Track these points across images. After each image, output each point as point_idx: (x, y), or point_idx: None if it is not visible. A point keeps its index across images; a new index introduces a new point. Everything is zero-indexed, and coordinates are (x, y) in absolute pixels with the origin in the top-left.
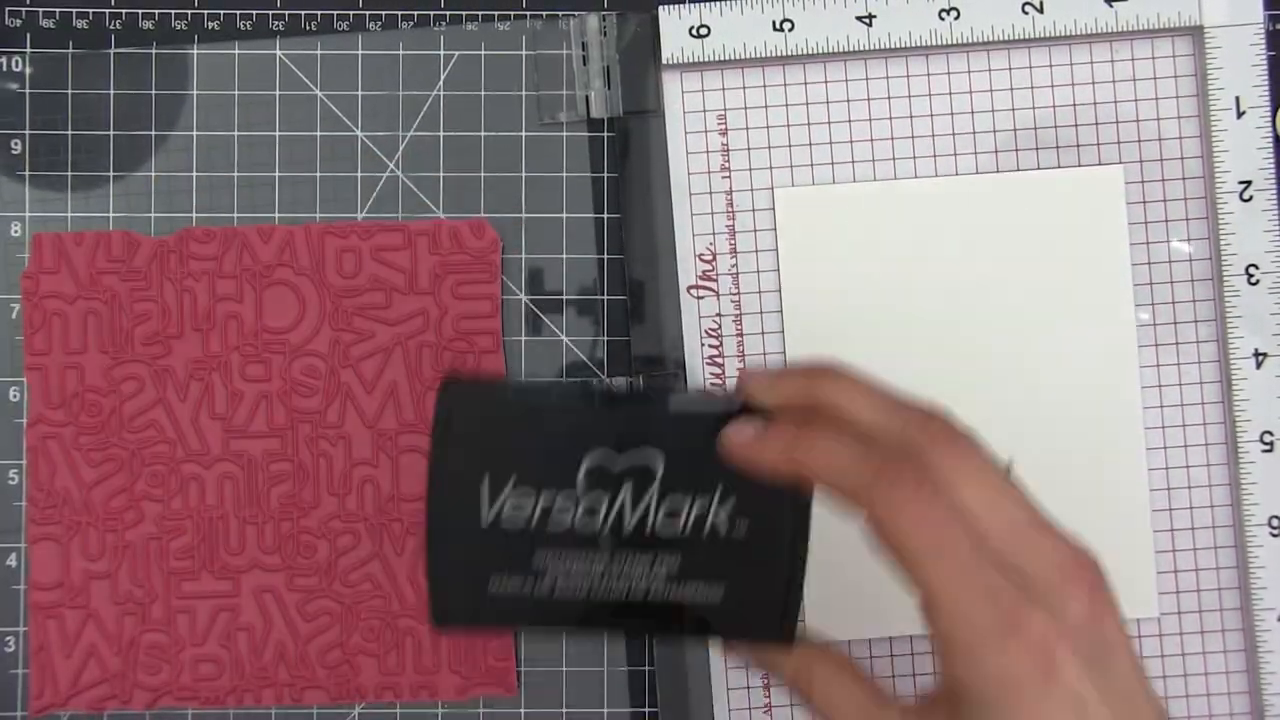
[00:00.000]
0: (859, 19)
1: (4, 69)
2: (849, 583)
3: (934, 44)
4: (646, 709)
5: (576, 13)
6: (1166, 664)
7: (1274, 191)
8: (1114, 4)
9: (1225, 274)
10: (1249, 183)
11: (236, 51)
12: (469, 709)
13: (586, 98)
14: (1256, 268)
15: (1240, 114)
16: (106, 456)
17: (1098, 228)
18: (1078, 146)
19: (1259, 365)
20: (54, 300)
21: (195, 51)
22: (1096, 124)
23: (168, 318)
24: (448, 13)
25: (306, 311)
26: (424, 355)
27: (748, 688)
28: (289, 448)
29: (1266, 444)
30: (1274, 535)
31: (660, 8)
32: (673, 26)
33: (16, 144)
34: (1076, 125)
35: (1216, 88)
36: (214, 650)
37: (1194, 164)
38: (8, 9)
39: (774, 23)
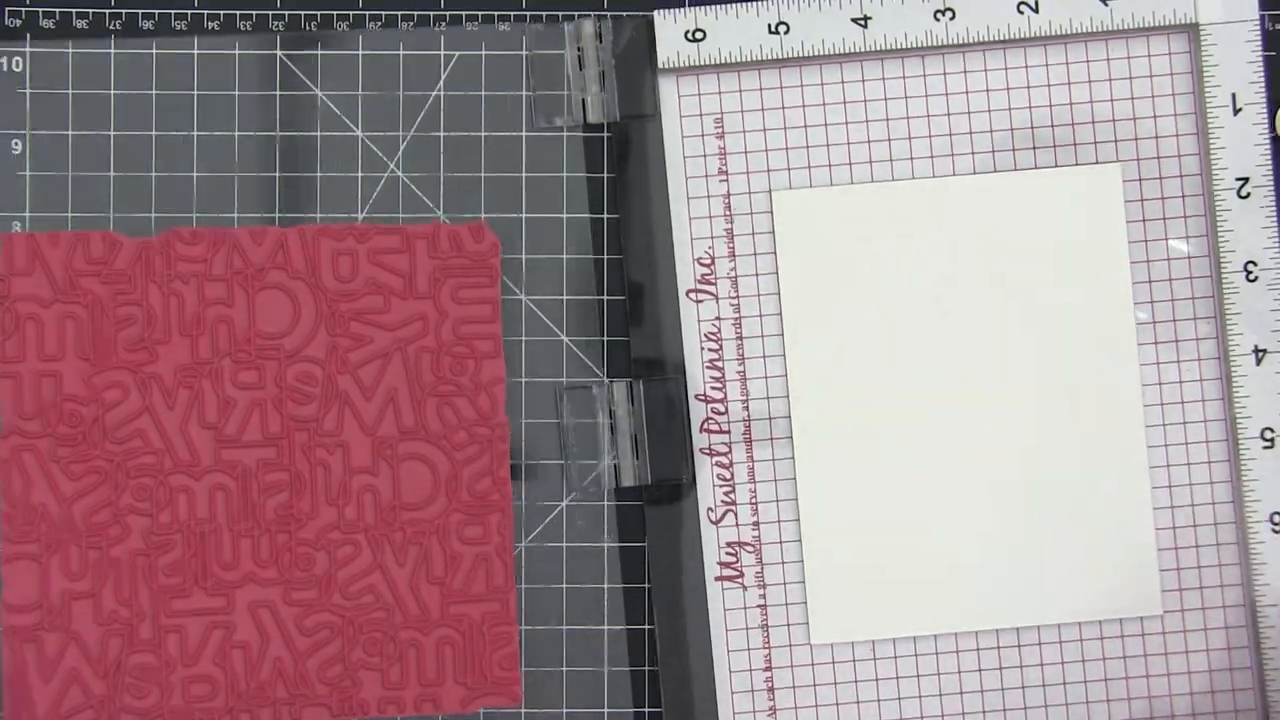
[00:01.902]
0: (854, 21)
1: (4, 69)
2: (853, 583)
3: (930, 45)
4: (648, 709)
5: (575, 13)
6: (1170, 662)
7: (1271, 188)
8: (1109, 2)
9: (1224, 271)
10: (1246, 179)
11: (236, 52)
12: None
13: (584, 102)
14: (1255, 264)
15: (1237, 111)
16: (88, 469)
17: (1096, 227)
18: (1074, 146)
19: (1259, 362)
20: (27, 304)
21: (195, 52)
22: (1093, 123)
23: (153, 322)
24: (448, 13)
25: (301, 316)
26: (423, 360)
27: (751, 691)
28: (284, 456)
29: (1267, 440)
30: (1275, 532)
31: (655, 12)
32: (668, 30)
33: (16, 144)
34: (1073, 124)
35: (1213, 85)
36: (207, 669)
37: (1191, 162)
38: (8, 9)
39: (769, 25)
